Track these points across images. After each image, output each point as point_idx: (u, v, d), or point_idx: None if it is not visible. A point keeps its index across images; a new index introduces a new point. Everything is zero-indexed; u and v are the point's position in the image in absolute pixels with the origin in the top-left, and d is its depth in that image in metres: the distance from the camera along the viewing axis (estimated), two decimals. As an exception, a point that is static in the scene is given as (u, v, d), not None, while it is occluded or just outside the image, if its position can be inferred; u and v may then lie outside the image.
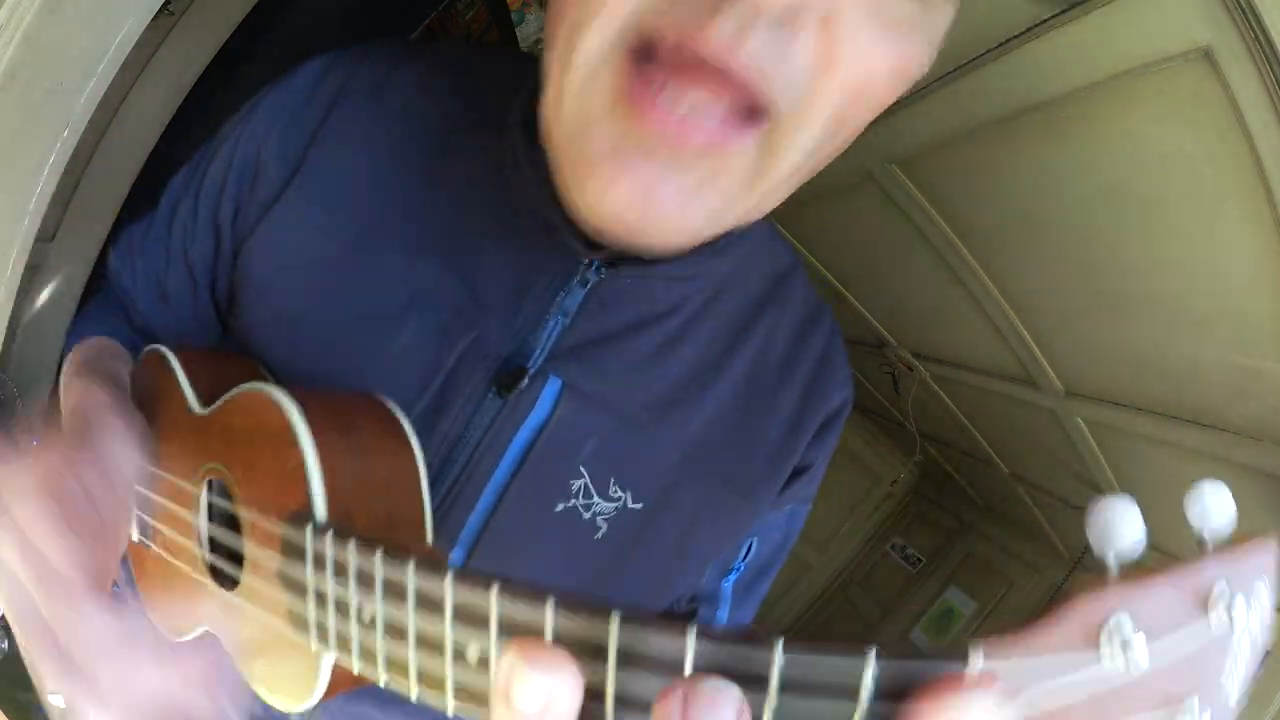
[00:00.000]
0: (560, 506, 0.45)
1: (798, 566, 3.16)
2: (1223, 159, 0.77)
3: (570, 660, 0.19)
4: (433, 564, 0.25)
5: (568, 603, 0.21)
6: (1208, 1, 0.67)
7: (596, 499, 0.45)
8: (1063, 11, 0.80)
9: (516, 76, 0.47)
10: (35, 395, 1.05)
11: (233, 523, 0.37)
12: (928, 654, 0.18)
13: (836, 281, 1.91)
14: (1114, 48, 0.78)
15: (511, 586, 0.22)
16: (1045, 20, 0.83)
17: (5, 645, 1.01)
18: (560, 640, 0.21)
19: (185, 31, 1.09)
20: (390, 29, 1.67)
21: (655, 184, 0.31)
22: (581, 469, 0.45)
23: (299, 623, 0.31)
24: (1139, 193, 0.90)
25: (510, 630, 0.22)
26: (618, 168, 0.31)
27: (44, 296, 1.08)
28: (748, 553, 0.56)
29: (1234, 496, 0.20)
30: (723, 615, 0.57)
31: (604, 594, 0.48)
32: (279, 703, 0.35)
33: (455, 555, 0.46)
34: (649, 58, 0.30)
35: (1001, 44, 0.90)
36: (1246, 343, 0.96)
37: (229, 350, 0.50)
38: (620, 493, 0.46)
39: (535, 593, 0.22)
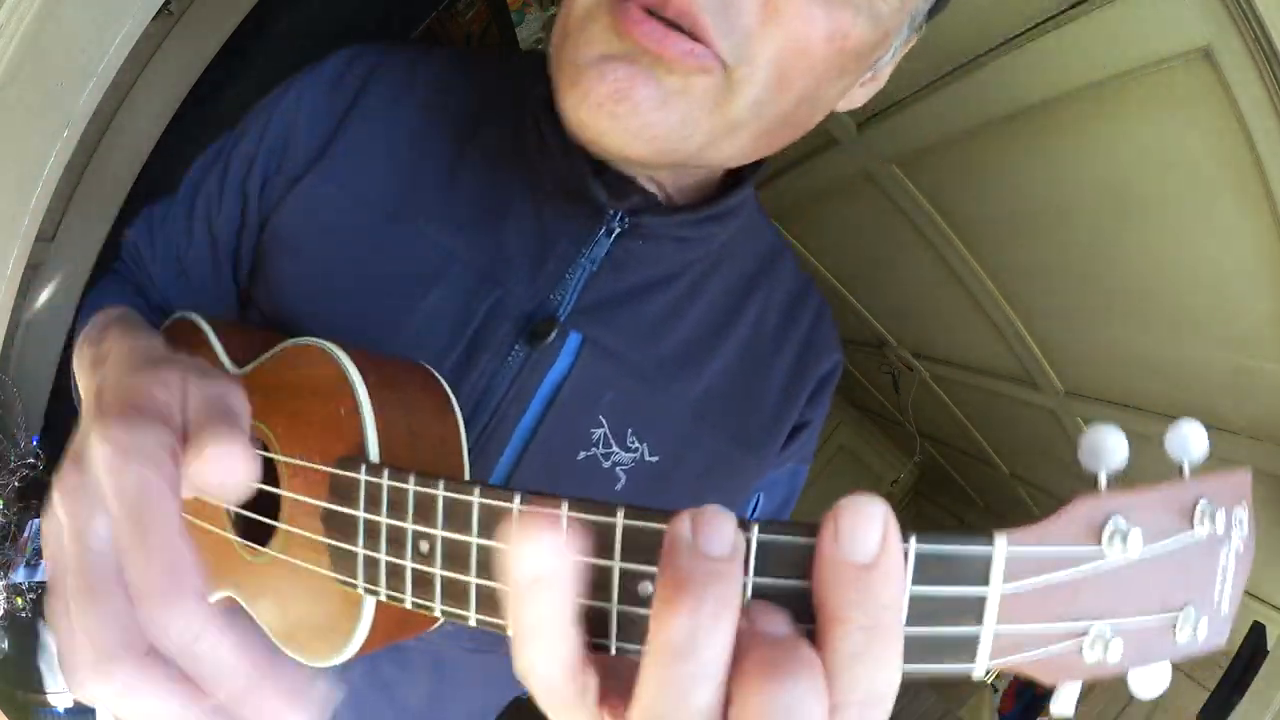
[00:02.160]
0: (582, 455, 0.48)
1: (798, 566, 3.16)
2: (1223, 159, 0.77)
3: (558, 529, 0.21)
4: (499, 488, 0.26)
5: (635, 511, 0.23)
6: (1208, 1, 0.67)
7: (615, 448, 0.49)
8: (1063, 11, 0.80)
9: (532, 70, 0.52)
10: (35, 395, 1.05)
11: (264, 477, 0.37)
12: (957, 537, 0.21)
13: (836, 281, 1.91)
14: (1114, 48, 0.78)
15: (581, 502, 0.23)
16: (1045, 20, 0.83)
17: (4, 645, 1.01)
18: (626, 543, 0.23)
19: (185, 31, 1.09)
20: (390, 29, 1.67)
21: (636, 84, 0.36)
22: (601, 418, 0.48)
23: (345, 564, 0.31)
24: (1139, 193, 0.91)
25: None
26: (606, 70, 0.36)
27: (44, 296, 1.08)
28: (755, 507, 0.59)
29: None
30: None
31: None
32: (312, 658, 0.36)
33: None
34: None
35: (1001, 44, 0.90)
36: (1246, 343, 0.96)
37: (252, 322, 0.53)
38: (638, 444, 0.49)
39: (604, 505, 0.23)
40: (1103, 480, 0.21)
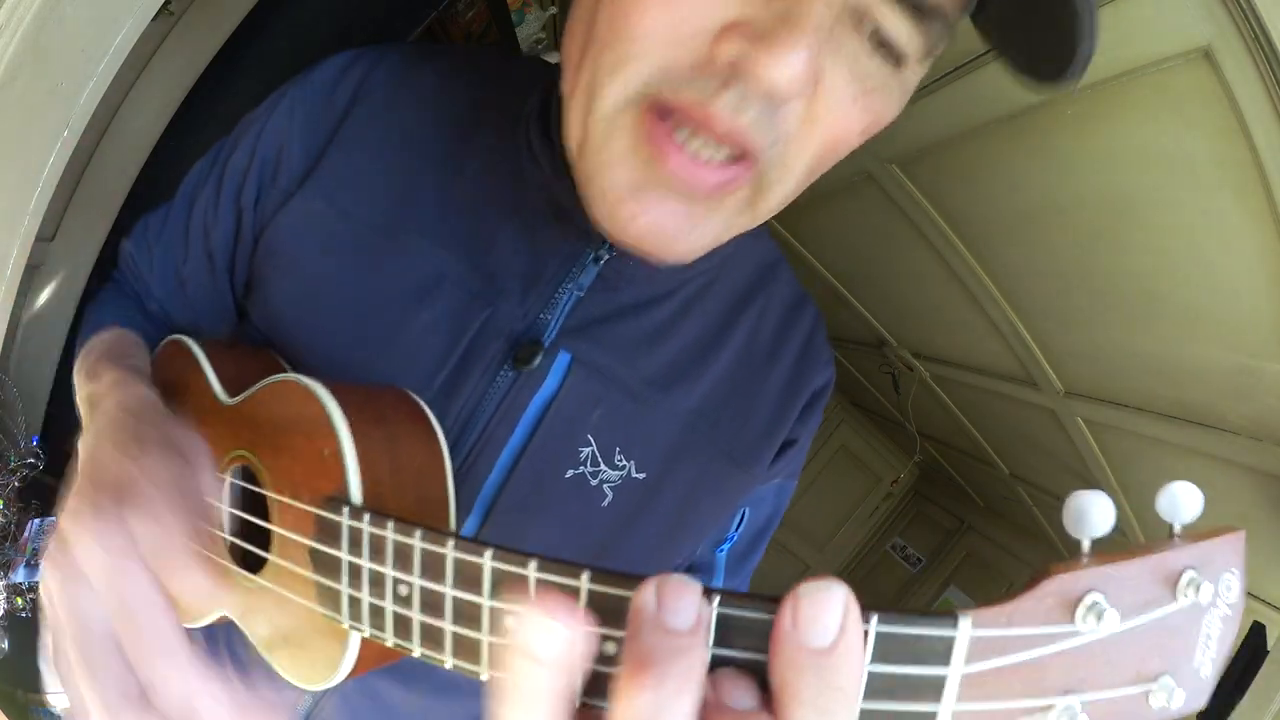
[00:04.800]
0: (569, 473, 0.48)
1: (797, 566, 3.16)
2: (1223, 159, 0.77)
3: (579, 614, 0.22)
4: (471, 541, 0.26)
5: (601, 575, 0.23)
6: (1208, 1, 0.67)
7: (603, 467, 0.48)
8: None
9: (528, 79, 0.51)
10: (35, 395, 1.05)
11: (257, 508, 0.38)
12: (921, 619, 0.20)
13: (836, 282, 1.91)
14: (1114, 48, 0.78)
15: (549, 562, 0.24)
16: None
17: (5, 645, 1.01)
18: (591, 605, 0.23)
19: (185, 31, 1.09)
20: (390, 29, 1.67)
21: (672, 218, 0.37)
22: (589, 437, 0.48)
23: (330, 600, 0.32)
24: (1139, 193, 0.91)
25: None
26: (640, 204, 0.37)
27: (44, 296, 1.08)
28: (741, 522, 0.59)
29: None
30: (718, 584, 0.59)
31: (608, 562, 0.49)
32: (301, 681, 0.36)
33: (470, 521, 0.48)
34: (662, 114, 0.35)
35: (1001, 44, 0.89)
36: (1246, 343, 0.96)
37: (247, 337, 0.52)
38: (625, 461, 0.49)
39: (570, 565, 0.24)
40: (1086, 548, 0.21)
